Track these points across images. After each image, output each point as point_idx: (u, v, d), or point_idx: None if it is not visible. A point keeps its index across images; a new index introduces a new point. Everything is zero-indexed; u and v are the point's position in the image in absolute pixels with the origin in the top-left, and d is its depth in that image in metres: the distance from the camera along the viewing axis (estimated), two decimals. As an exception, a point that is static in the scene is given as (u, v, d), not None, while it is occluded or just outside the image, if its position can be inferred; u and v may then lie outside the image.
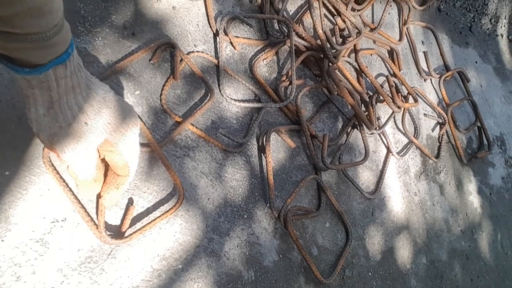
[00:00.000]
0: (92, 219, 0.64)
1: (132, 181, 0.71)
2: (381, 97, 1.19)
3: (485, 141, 1.57)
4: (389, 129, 1.26)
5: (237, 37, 0.96)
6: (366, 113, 1.14)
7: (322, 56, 1.09)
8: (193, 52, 0.88)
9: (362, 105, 1.15)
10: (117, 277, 0.65)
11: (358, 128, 1.14)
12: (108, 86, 0.55)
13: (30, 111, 0.48)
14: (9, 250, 0.58)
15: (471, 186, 1.47)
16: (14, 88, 0.63)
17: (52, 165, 0.63)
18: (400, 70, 1.34)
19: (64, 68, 0.46)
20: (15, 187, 0.60)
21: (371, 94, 1.20)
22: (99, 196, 0.64)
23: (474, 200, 1.45)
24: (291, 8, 1.14)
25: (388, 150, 1.21)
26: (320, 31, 1.04)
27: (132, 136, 0.57)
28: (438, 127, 1.43)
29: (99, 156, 0.57)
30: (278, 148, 0.96)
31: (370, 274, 1.02)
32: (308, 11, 1.08)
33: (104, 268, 0.64)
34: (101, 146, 0.55)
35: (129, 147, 0.57)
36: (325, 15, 1.20)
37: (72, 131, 0.50)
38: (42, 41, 0.41)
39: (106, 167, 0.62)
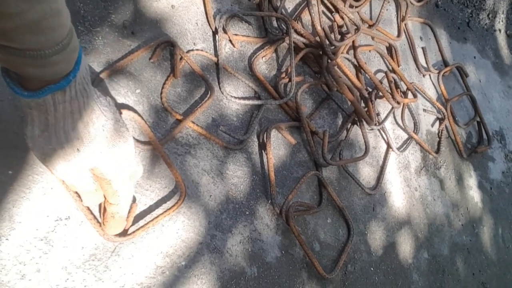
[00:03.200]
0: (95, 217, 0.64)
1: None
2: (380, 93, 1.19)
3: (484, 136, 1.58)
4: (388, 124, 1.27)
5: (236, 35, 0.97)
6: (366, 109, 1.15)
7: (321, 52, 1.09)
8: (192, 50, 0.88)
9: (362, 101, 1.16)
10: (121, 274, 0.66)
11: (358, 124, 1.14)
12: (113, 110, 0.53)
13: (27, 128, 0.48)
14: (14, 249, 0.58)
15: (472, 181, 1.47)
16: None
17: (55, 164, 0.63)
18: (398, 66, 1.34)
19: (63, 94, 0.45)
20: (18, 186, 0.61)
21: (370, 90, 1.21)
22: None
23: (474, 194, 1.46)
24: (289, 5, 1.15)
25: (388, 146, 1.21)
26: (318, 28, 1.05)
27: (124, 168, 0.56)
28: (437, 122, 1.44)
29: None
30: (278, 144, 0.96)
31: (372, 269, 1.03)
32: (306, 8, 1.09)
33: (108, 266, 0.65)
34: (92, 170, 0.54)
35: (119, 177, 0.56)
36: (323, 12, 1.21)
37: (64, 154, 0.49)
38: (40, 58, 0.40)
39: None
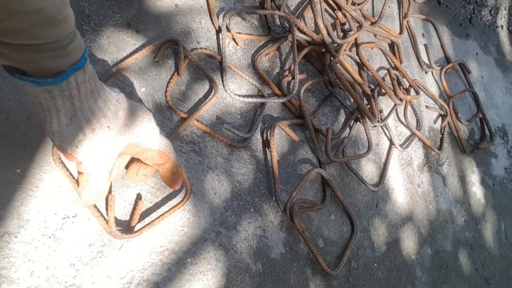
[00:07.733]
0: (102, 215, 0.65)
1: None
2: (383, 90, 1.19)
3: (487, 132, 1.58)
4: (391, 121, 1.27)
5: (239, 33, 0.97)
6: (368, 106, 1.15)
7: (323, 50, 1.10)
8: (196, 48, 0.89)
9: (364, 98, 1.16)
10: (128, 271, 0.66)
11: (361, 121, 1.15)
12: (117, 88, 0.55)
13: (52, 123, 0.48)
14: (23, 246, 0.59)
15: (474, 177, 1.47)
16: (23, 87, 0.64)
17: (62, 162, 0.64)
18: (401, 63, 1.34)
19: (83, 73, 0.46)
20: (26, 184, 0.61)
21: (373, 87, 1.21)
22: (110, 192, 0.65)
23: (477, 190, 1.46)
24: (292, 3, 1.15)
25: (391, 143, 1.22)
26: (321, 26, 1.05)
27: (150, 129, 0.58)
28: (440, 119, 1.44)
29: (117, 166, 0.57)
30: (282, 142, 0.97)
31: (375, 265, 1.03)
32: (309, 6, 1.09)
33: (115, 263, 0.66)
34: (128, 151, 0.55)
35: (152, 138, 0.58)
36: (325, 10, 1.21)
37: (97, 137, 0.50)
38: (59, 49, 0.42)
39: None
